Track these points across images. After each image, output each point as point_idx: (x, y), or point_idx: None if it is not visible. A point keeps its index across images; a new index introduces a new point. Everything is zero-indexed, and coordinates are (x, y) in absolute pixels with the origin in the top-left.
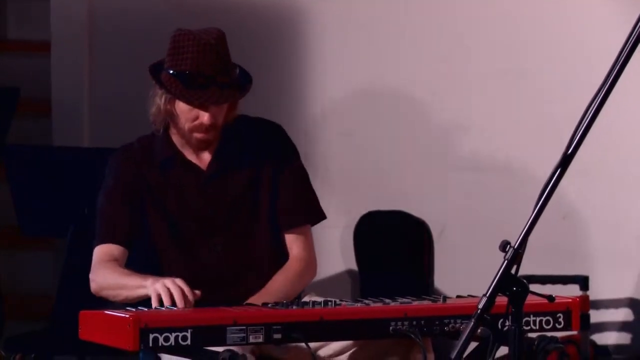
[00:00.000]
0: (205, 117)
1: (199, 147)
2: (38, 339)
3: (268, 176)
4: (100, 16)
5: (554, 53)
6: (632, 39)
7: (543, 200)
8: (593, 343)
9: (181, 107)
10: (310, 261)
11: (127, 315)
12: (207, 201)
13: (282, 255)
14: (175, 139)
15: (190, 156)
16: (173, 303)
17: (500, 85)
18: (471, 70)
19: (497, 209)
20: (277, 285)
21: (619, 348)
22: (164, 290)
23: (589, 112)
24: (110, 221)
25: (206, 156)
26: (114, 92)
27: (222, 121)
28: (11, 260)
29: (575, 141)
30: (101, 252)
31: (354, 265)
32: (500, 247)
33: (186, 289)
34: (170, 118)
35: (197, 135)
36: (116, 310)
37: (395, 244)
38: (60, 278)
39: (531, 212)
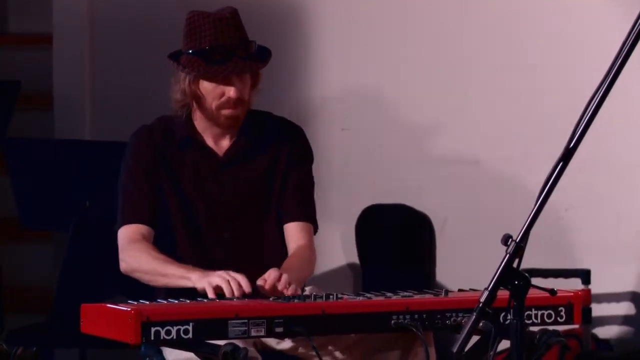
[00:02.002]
0: (231, 91)
1: (227, 125)
2: (39, 332)
3: (281, 172)
4: (101, 9)
5: (555, 48)
6: (634, 34)
7: (545, 194)
8: (595, 337)
9: (206, 86)
10: (314, 252)
11: (129, 309)
12: (220, 187)
13: (287, 250)
14: (197, 122)
15: (208, 141)
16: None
17: (501, 80)
18: (471, 65)
19: (499, 203)
20: (289, 265)
21: (620, 342)
22: (224, 282)
23: (590, 106)
24: (135, 201)
25: (224, 143)
26: (116, 85)
27: (249, 96)
28: (12, 253)
29: (577, 135)
30: (129, 231)
31: (355, 259)
32: (502, 240)
33: (242, 280)
34: (197, 100)
35: (226, 112)
36: (118, 304)
37: (397, 238)
38: (62, 271)
39: (533, 206)
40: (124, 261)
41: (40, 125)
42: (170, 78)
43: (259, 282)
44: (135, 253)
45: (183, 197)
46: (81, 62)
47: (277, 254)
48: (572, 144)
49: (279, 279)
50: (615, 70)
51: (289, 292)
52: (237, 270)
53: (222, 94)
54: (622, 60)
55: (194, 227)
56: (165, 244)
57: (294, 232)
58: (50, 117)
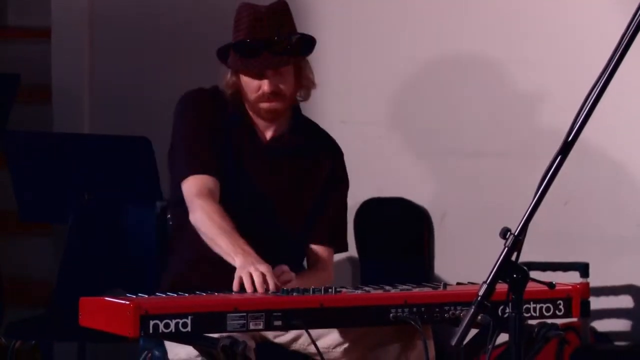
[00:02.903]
0: (265, 84)
1: (269, 119)
2: (38, 325)
3: (318, 186)
4: (100, 3)
5: (555, 43)
6: (633, 26)
7: (544, 187)
8: (593, 330)
9: (244, 79)
10: (331, 278)
11: (128, 302)
12: (259, 172)
13: (302, 257)
14: (249, 109)
15: (257, 125)
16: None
17: (500, 74)
18: (471, 59)
19: (498, 196)
20: (314, 281)
21: (619, 335)
22: (246, 277)
23: (589, 99)
24: (200, 151)
25: (270, 132)
26: (115, 79)
27: (292, 90)
28: (11, 246)
29: (576, 128)
30: (196, 182)
31: (354, 252)
32: (500, 234)
33: (269, 275)
34: (240, 92)
35: (263, 105)
36: (117, 297)
37: (396, 231)
38: (61, 264)
39: (532, 199)
40: (192, 213)
41: (39, 119)
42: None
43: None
44: (201, 213)
45: (223, 172)
46: (80, 55)
47: (291, 259)
48: (570, 138)
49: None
50: (614, 64)
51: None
52: None
53: (259, 88)
54: (620, 54)
55: (223, 203)
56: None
57: (318, 254)
58: (49, 111)
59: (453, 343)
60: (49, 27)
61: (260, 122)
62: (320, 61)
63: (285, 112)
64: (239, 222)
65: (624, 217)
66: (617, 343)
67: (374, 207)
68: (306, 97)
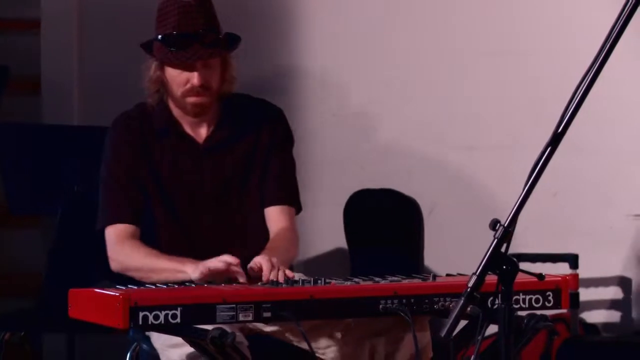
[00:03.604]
0: (194, 78)
1: (194, 113)
2: (27, 317)
3: (262, 157)
4: None
5: (546, 35)
6: (622, 18)
7: (533, 179)
8: (582, 321)
9: (170, 72)
10: (296, 234)
11: (117, 294)
12: (201, 174)
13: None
14: (174, 110)
15: (187, 128)
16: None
17: (492, 66)
18: (462, 50)
19: (488, 188)
20: (275, 247)
21: (608, 326)
22: (223, 265)
23: (579, 90)
24: (119, 200)
25: (203, 130)
26: (104, 70)
27: (217, 84)
28: (0, 238)
29: (565, 119)
30: (117, 231)
31: (343, 244)
32: (490, 225)
33: (234, 261)
34: (164, 87)
35: (190, 99)
36: (106, 289)
37: (385, 223)
38: (50, 256)
39: (521, 191)
40: (115, 260)
41: (29, 110)
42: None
43: (249, 267)
44: (126, 251)
45: (163, 188)
46: (69, 47)
47: (261, 239)
48: (560, 129)
49: (271, 267)
50: (604, 55)
51: (281, 278)
52: (221, 255)
53: (187, 81)
54: (610, 45)
55: (176, 217)
56: (149, 236)
57: (275, 216)
58: (38, 102)
59: (442, 334)
60: (39, 18)
61: (189, 125)
62: (311, 54)
63: (212, 106)
64: (198, 230)
65: (614, 208)
66: (605, 334)
67: (363, 198)
68: (228, 91)
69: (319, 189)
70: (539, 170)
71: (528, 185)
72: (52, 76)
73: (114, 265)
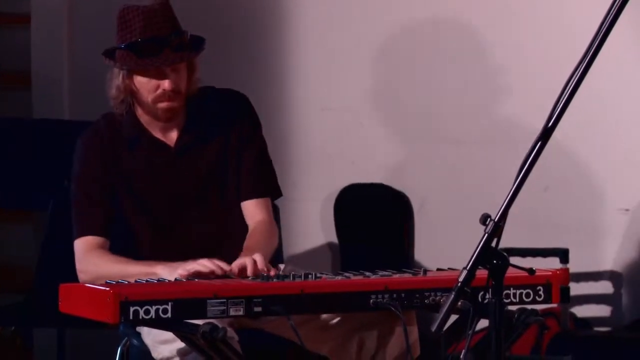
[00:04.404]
0: (165, 83)
1: (166, 118)
2: (17, 311)
3: (234, 151)
4: None
5: (538, 28)
6: (612, 13)
7: (524, 173)
8: (573, 316)
9: (139, 80)
10: (275, 227)
11: (108, 288)
12: (177, 178)
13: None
14: (142, 117)
15: (157, 134)
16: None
17: (480, 58)
18: (452, 45)
19: (478, 182)
20: (255, 241)
21: (599, 320)
22: (200, 267)
23: (569, 84)
24: (88, 213)
25: (173, 133)
26: (94, 65)
27: (185, 87)
28: None
29: (555, 114)
30: (85, 243)
31: (334, 238)
32: (480, 220)
33: (215, 261)
34: (133, 95)
35: (162, 105)
36: (96, 283)
37: (376, 217)
38: (41, 250)
39: (512, 185)
40: (83, 272)
41: (19, 105)
42: (107, 74)
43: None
44: (94, 261)
45: (138, 195)
46: (60, 41)
47: (242, 235)
48: (550, 124)
49: (255, 264)
50: (594, 50)
51: (271, 272)
52: (208, 254)
53: (157, 87)
54: (600, 40)
55: (158, 224)
56: (127, 246)
57: (251, 210)
58: (29, 97)
59: (433, 329)
60: (29, 13)
61: (159, 130)
62: (299, 49)
63: (181, 109)
64: (178, 234)
65: (604, 203)
66: (596, 329)
67: (354, 193)
68: (193, 93)
69: (309, 183)
70: (529, 164)
71: (518, 180)
72: (43, 71)
73: (83, 276)
